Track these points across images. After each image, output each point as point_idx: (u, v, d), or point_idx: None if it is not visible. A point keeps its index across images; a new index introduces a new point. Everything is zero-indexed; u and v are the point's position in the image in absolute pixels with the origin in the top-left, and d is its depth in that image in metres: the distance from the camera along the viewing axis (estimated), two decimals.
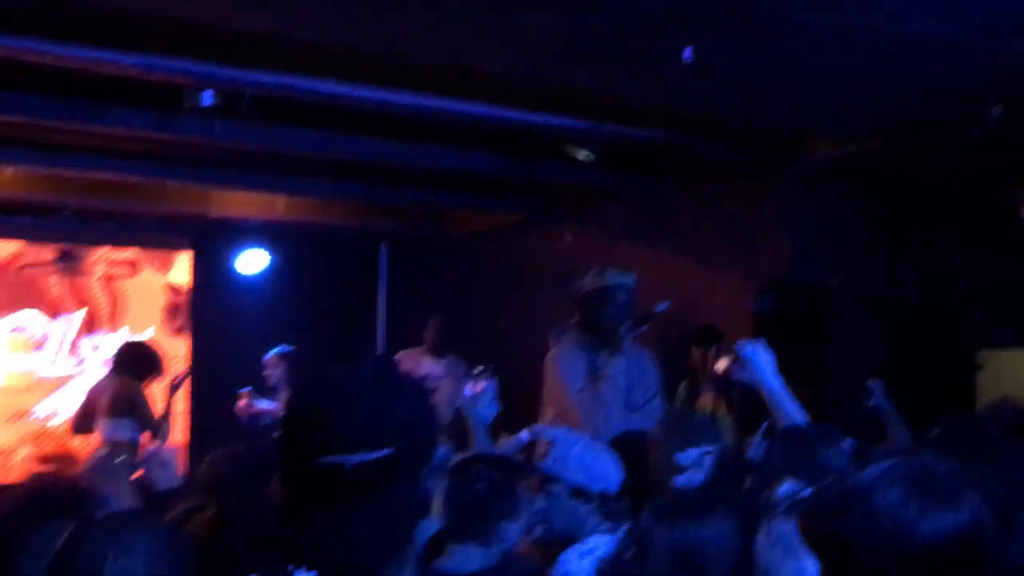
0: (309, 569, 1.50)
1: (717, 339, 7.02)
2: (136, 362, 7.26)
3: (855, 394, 5.62)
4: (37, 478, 2.09)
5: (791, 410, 3.75)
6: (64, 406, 9.02)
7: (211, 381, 9.24)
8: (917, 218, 6.97)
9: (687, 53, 4.54)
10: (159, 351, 7.58)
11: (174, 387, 7.48)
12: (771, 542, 2.40)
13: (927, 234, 6.91)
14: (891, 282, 6.85)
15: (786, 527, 2.36)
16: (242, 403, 7.52)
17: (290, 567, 1.50)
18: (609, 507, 3.46)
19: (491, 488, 3.15)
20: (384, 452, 1.49)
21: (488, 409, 4.01)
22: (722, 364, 4.35)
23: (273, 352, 7.67)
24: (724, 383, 6.90)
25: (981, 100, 5.35)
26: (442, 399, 7.54)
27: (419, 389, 1.64)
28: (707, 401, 6.89)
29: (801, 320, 6.62)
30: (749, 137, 6.71)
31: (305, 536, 1.52)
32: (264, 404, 7.42)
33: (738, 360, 3.92)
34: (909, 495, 1.70)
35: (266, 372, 7.60)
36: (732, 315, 7.04)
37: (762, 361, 3.83)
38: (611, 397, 4.86)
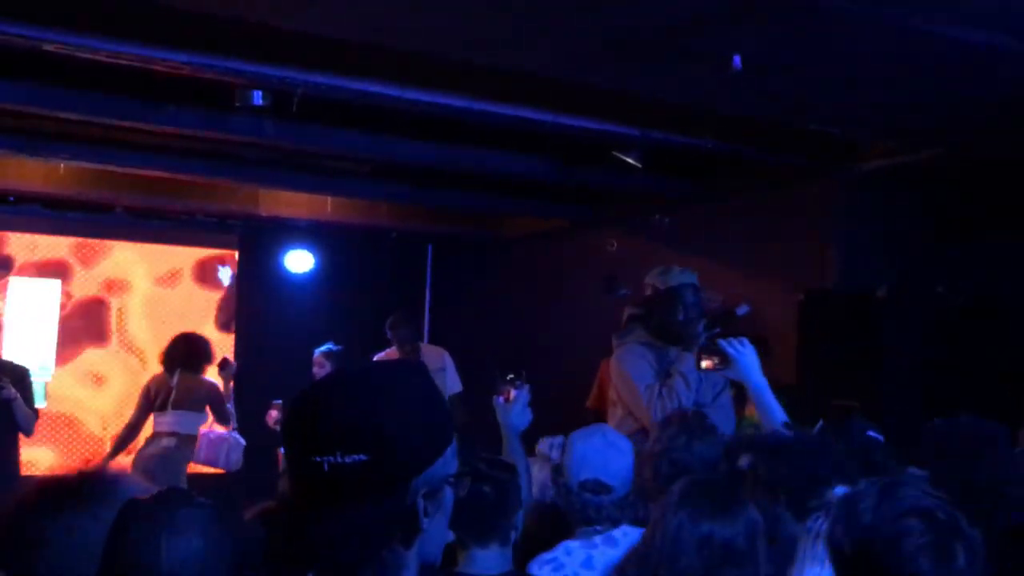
0: (303, 568, 1.50)
1: (762, 349, 6.96)
2: (189, 355, 7.33)
3: (904, 407, 5.55)
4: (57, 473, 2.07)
5: (774, 408, 3.82)
6: None
7: (255, 379, 9.31)
8: (967, 227, 6.87)
9: (736, 60, 4.51)
10: (205, 339, 7.68)
11: (232, 374, 7.65)
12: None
13: (977, 243, 6.81)
14: (941, 291, 6.76)
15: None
16: (273, 413, 7.52)
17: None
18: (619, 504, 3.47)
19: (497, 488, 3.16)
20: (359, 457, 1.48)
21: (520, 417, 4.00)
22: (708, 363, 4.33)
23: (321, 350, 7.69)
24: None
25: None
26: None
27: (426, 399, 1.59)
28: (752, 411, 6.85)
29: (850, 330, 6.54)
30: (798, 144, 6.65)
31: (293, 533, 1.52)
32: None
33: (724, 358, 3.95)
34: None
35: (314, 370, 7.62)
36: (779, 324, 6.98)
37: (747, 359, 3.84)
38: (685, 395, 4.78)
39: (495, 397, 3.98)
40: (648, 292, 5.10)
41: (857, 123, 6.10)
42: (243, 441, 7.53)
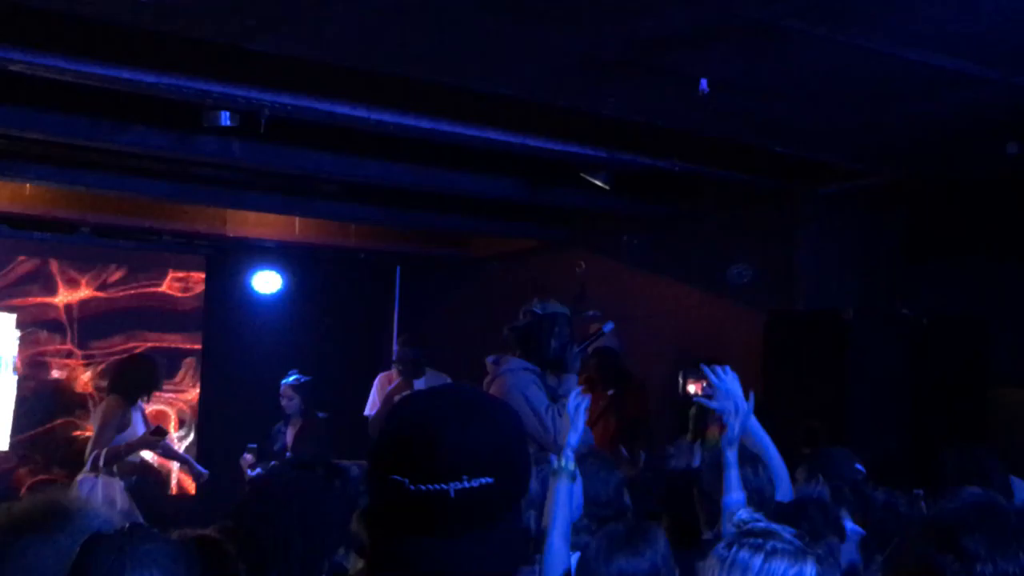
0: None
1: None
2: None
3: (868, 427, 5.59)
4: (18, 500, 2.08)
5: (759, 435, 3.80)
6: None
7: (222, 399, 9.28)
8: (932, 247, 6.95)
9: (703, 84, 4.57)
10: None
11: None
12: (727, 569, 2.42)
13: (942, 263, 6.89)
14: (909, 310, 6.82)
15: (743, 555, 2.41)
16: (248, 457, 7.33)
17: None
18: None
19: None
20: (485, 480, 1.44)
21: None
22: (696, 386, 4.38)
23: (288, 381, 7.54)
24: None
25: (998, 133, 5.36)
26: None
27: (516, 418, 1.59)
28: (714, 432, 6.89)
29: (815, 350, 6.59)
30: (764, 165, 6.71)
31: (412, 567, 1.47)
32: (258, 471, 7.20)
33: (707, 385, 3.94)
34: None
35: (283, 402, 7.53)
36: (744, 344, 7.03)
37: (730, 386, 3.81)
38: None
39: None
40: (527, 319, 5.32)
41: (821, 145, 6.18)
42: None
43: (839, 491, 4.04)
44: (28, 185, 7.63)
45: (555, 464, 3.30)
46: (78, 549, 1.89)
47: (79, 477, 6.85)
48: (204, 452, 9.55)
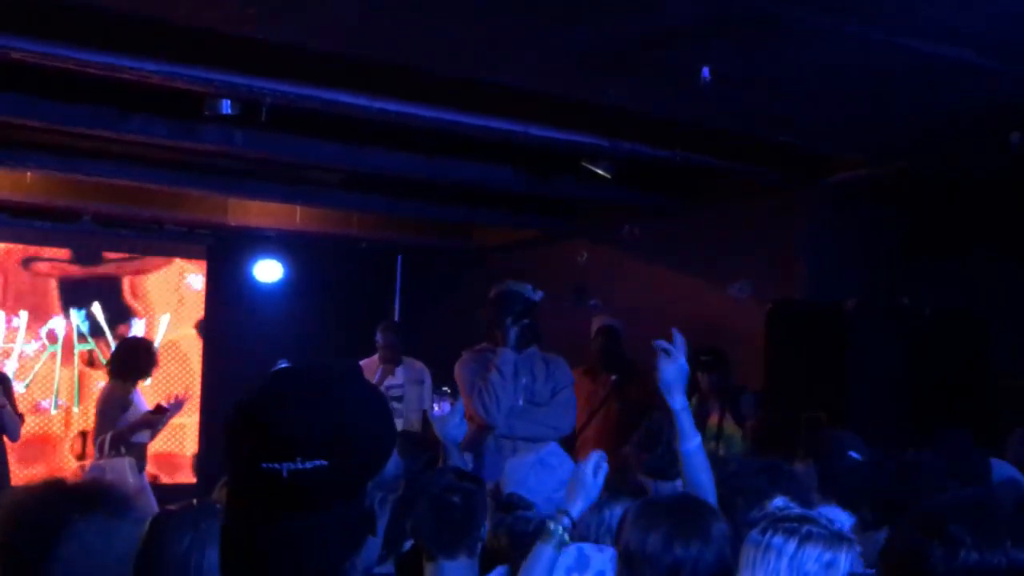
0: None
1: (721, 363, 7.02)
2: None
3: (869, 418, 5.59)
4: (51, 481, 2.07)
5: (686, 432, 3.36)
6: None
7: (223, 389, 9.27)
8: (935, 239, 6.94)
9: (705, 72, 4.56)
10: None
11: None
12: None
13: (945, 255, 6.88)
14: (910, 303, 6.82)
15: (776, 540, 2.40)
16: None
17: None
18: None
19: (467, 499, 3.17)
20: (319, 463, 1.44)
21: (458, 429, 4.15)
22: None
23: (279, 367, 7.57)
24: (732, 402, 6.92)
25: (1002, 124, 5.35)
26: (410, 404, 7.58)
27: (374, 400, 1.58)
28: (714, 420, 6.90)
29: (817, 341, 6.58)
30: (767, 156, 6.70)
31: (248, 545, 1.48)
32: None
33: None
34: None
35: None
36: (746, 334, 7.02)
37: (669, 372, 3.39)
38: (500, 385, 5.19)
39: (431, 411, 4.07)
40: (487, 300, 5.50)
41: (824, 136, 6.16)
42: None
43: (829, 474, 3.99)
44: (29, 173, 7.62)
45: (548, 527, 3.05)
46: (120, 529, 1.89)
47: (88, 464, 6.92)
48: (206, 439, 9.58)
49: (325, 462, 1.45)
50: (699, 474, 3.22)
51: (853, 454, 4.21)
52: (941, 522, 1.98)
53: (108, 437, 6.76)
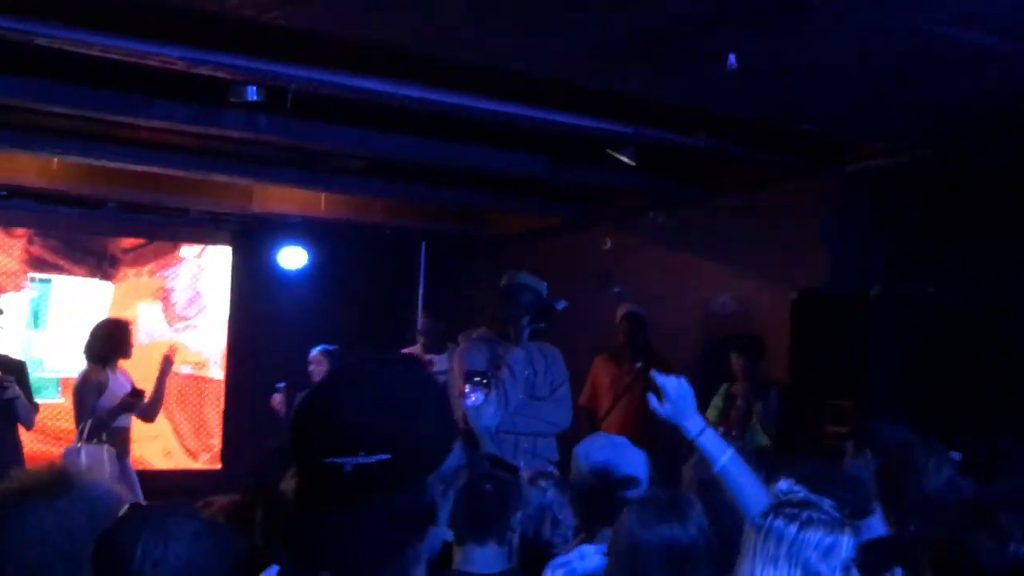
0: (319, 570, 1.50)
1: (757, 348, 7.01)
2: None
3: (894, 407, 5.56)
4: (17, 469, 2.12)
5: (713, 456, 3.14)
6: None
7: (247, 375, 9.32)
8: (960, 227, 6.88)
9: (731, 60, 4.52)
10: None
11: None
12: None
13: (970, 243, 6.82)
14: (933, 291, 6.77)
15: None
16: (277, 397, 7.53)
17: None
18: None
19: (499, 487, 3.17)
20: (382, 457, 1.47)
21: (492, 419, 4.12)
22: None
23: (317, 350, 7.65)
24: (760, 392, 6.91)
25: None
26: (453, 392, 7.59)
27: (435, 394, 1.62)
28: (739, 409, 6.89)
29: (841, 330, 6.55)
30: (790, 143, 6.66)
31: (310, 535, 1.52)
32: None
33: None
34: None
35: (311, 368, 7.60)
36: (772, 323, 7.00)
37: (678, 399, 3.11)
38: (511, 385, 5.19)
39: (464, 400, 4.02)
40: (495, 290, 5.51)
41: (848, 123, 6.11)
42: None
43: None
44: (55, 160, 7.65)
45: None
46: (81, 515, 1.91)
47: (64, 448, 6.97)
48: (229, 427, 9.63)
49: (388, 456, 1.48)
50: (738, 479, 2.99)
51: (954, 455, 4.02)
52: (991, 512, 1.95)
53: (88, 424, 6.80)
